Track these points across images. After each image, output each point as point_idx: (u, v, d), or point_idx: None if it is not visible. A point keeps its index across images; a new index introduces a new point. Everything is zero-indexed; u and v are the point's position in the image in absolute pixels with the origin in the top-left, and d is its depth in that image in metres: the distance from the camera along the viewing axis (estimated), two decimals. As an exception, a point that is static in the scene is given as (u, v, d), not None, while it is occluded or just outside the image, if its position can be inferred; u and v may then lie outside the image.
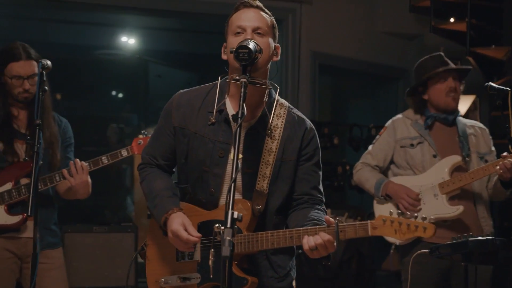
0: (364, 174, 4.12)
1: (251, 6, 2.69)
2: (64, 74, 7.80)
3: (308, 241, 2.47)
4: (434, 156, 3.92)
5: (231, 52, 2.52)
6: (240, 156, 2.61)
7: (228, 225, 2.18)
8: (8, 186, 3.72)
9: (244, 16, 2.66)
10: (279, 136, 2.69)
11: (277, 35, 2.76)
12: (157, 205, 2.73)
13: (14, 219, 3.70)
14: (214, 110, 2.70)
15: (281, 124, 2.71)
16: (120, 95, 8.62)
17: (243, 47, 2.46)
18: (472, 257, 3.00)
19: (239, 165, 2.49)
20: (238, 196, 2.70)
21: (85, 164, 3.70)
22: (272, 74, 2.78)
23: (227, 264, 2.20)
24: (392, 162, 4.09)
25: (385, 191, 3.96)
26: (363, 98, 8.18)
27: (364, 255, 5.75)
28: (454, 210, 3.78)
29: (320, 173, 2.82)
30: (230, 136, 2.69)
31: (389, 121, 4.15)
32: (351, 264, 5.74)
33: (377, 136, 4.19)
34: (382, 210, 4.01)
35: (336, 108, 8.10)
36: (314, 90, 6.52)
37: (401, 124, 4.07)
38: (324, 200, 2.80)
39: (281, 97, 2.83)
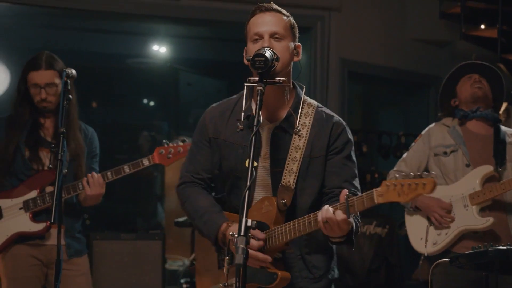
0: None
1: (267, 9, 2.72)
2: (97, 82, 7.91)
3: (321, 215, 2.47)
4: (467, 165, 3.85)
5: (247, 60, 2.56)
6: (255, 164, 2.63)
7: (242, 233, 2.19)
8: (33, 194, 3.80)
9: (260, 21, 2.69)
10: (306, 134, 2.71)
11: (297, 34, 2.77)
12: (207, 222, 2.77)
13: (39, 227, 3.78)
14: (242, 117, 2.72)
15: (309, 122, 2.73)
16: (152, 103, 8.69)
17: (259, 55, 2.49)
18: (493, 267, 2.95)
19: (267, 166, 2.67)
20: (268, 195, 2.73)
21: (101, 178, 3.75)
22: (296, 74, 2.81)
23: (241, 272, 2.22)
24: (426, 170, 4.04)
25: (414, 203, 3.91)
26: (394, 106, 8.12)
27: (392, 264, 5.71)
28: (484, 222, 3.70)
29: (353, 166, 2.77)
30: (259, 141, 2.73)
31: (426, 129, 4.12)
32: (379, 273, 5.70)
33: (412, 144, 4.16)
34: (413, 221, 3.97)
35: (366, 115, 8.05)
36: (343, 98, 6.50)
37: (437, 132, 4.03)
38: (359, 194, 2.68)
39: None
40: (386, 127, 7.41)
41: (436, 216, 3.80)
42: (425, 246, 3.85)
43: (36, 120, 3.88)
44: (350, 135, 2.78)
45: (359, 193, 2.70)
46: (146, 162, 3.85)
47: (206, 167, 2.89)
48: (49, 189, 3.82)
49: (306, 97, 2.82)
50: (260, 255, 2.60)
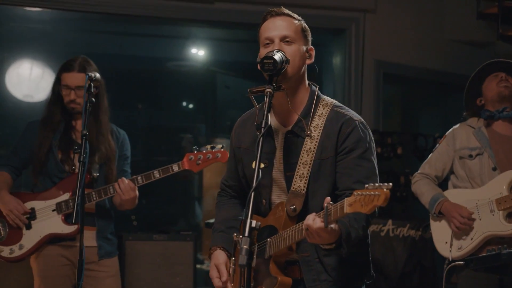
0: (420, 187, 4.02)
1: (277, 14, 2.74)
2: (139, 85, 8.03)
3: (305, 222, 2.44)
4: (494, 169, 3.78)
5: (257, 62, 2.57)
6: (262, 165, 2.65)
7: (246, 234, 2.21)
8: (66, 196, 3.89)
9: (271, 26, 2.71)
10: (318, 135, 2.68)
11: (309, 38, 2.78)
12: (212, 237, 2.96)
13: (70, 229, 3.87)
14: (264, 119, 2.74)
15: (322, 124, 2.70)
16: (190, 105, 8.77)
17: (268, 57, 2.51)
18: (507, 270, 2.90)
19: (282, 169, 2.69)
20: (284, 200, 2.73)
21: (132, 183, 3.83)
22: (312, 76, 2.82)
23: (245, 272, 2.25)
24: (452, 172, 3.99)
25: (438, 209, 3.87)
26: (431, 108, 8.02)
27: (426, 267, 5.63)
28: (510, 228, 3.63)
29: (368, 165, 2.65)
30: (273, 146, 2.76)
31: (450, 130, 4.06)
32: (413, 276, 5.63)
33: (436, 145, 4.10)
34: (438, 225, 3.94)
35: (403, 117, 7.97)
36: (378, 100, 6.46)
37: (462, 133, 3.96)
38: None
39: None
40: (424, 129, 7.32)
41: (456, 222, 3.75)
42: (450, 251, 3.81)
43: (68, 122, 3.99)
44: (363, 133, 2.66)
45: None
46: (175, 168, 3.90)
47: (233, 176, 2.99)
48: (80, 191, 3.90)
49: (324, 97, 2.79)
50: None
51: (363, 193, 2.22)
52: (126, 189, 3.81)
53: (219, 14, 6.15)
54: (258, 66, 2.61)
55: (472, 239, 3.74)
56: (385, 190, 2.17)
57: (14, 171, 4.05)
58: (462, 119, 4.10)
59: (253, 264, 2.66)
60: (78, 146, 3.24)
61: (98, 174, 3.94)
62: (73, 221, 3.13)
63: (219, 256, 2.84)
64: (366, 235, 2.71)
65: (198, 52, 8.14)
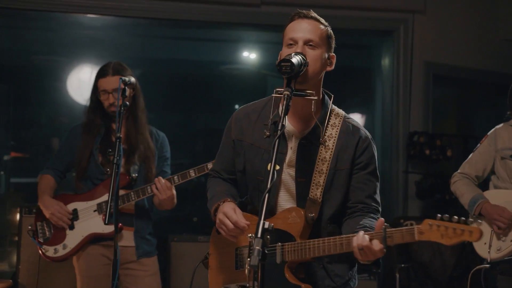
0: (459, 187, 3.97)
1: (305, 16, 2.74)
2: (192, 89, 8.13)
3: (357, 241, 2.47)
4: None
5: (276, 64, 2.57)
6: (277, 167, 2.65)
7: (259, 235, 2.22)
8: (106, 197, 3.96)
9: (297, 27, 2.71)
10: (333, 146, 2.72)
11: (332, 45, 2.78)
12: (213, 202, 2.84)
13: (110, 228, 3.92)
14: (269, 123, 2.77)
15: (336, 134, 2.73)
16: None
17: (285, 60, 2.51)
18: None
19: (292, 173, 2.66)
20: (292, 204, 2.76)
21: (168, 183, 3.89)
22: (326, 84, 2.82)
23: (259, 272, 2.26)
24: (493, 172, 3.92)
25: (478, 210, 3.81)
26: (487, 109, 7.85)
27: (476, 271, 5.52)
28: None
29: (377, 182, 2.80)
30: (285, 147, 2.76)
31: (492, 129, 3.99)
32: (462, 280, 5.53)
33: (478, 145, 4.04)
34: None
35: (458, 119, 7.83)
36: (427, 101, 6.38)
37: (504, 133, 3.89)
38: (379, 209, 2.78)
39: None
40: (479, 131, 7.17)
41: (499, 224, 3.68)
42: (489, 252, 3.74)
43: (108, 126, 4.09)
44: (375, 150, 2.79)
45: (380, 208, 2.77)
46: (210, 166, 3.94)
47: (228, 169, 2.95)
48: (121, 192, 3.99)
49: (334, 107, 2.83)
50: (234, 230, 2.67)
51: (445, 225, 2.30)
52: (162, 188, 3.88)
53: (266, 17, 6.19)
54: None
55: (511, 240, 3.67)
56: (479, 230, 2.27)
57: (58, 174, 4.18)
58: (505, 118, 4.02)
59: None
60: (112, 149, 3.30)
61: (136, 175, 4.02)
62: (106, 222, 3.22)
63: (235, 206, 2.74)
64: None
65: (250, 55, 8.19)
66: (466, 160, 4.04)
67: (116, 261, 3.29)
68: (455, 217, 2.31)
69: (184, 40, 7.94)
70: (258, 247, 2.19)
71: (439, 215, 2.36)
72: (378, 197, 2.80)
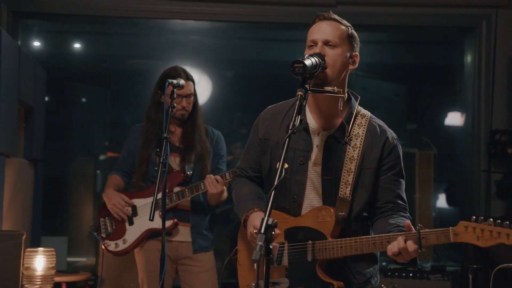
0: None
1: (325, 18, 2.81)
2: (280, 89, 8.22)
3: (392, 247, 2.54)
4: None
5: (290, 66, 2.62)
6: (286, 165, 2.69)
7: (262, 231, 2.27)
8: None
9: (317, 29, 2.79)
10: (360, 144, 2.76)
11: (354, 44, 2.83)
12: (241, 208, 2.90)
13: (167, 224, 4.12)
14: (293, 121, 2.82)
15: (362, 133, 2.77)
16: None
17: (298, 61, 2.56)
18: None
19: (319, 171, 2.74)
20: (319, 202, 2.80)
21: (219, 177, 4.01)
22: (351, 83, 2.87)
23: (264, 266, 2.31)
24: None
25: None
26: None
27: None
28: None
29: (403, 181, 2.84)
30: (310, 144, 2.82)
31: None
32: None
33: None
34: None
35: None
36: (510, 99, 6.14)
37: None
38: (407, 207, 2.82)
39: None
40: None
41: None
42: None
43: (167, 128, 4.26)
44: (400, 151, 2.85)
45: (407, 206, 2.81)
46: None
47: (254, 167, 3.01)
48: (176, 189, 4.16)
49: (360, 108, 2.86)
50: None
51: (481, 227, 2.34)
52: (213, 183, 4.02)
53: (342, 17, 6.16)
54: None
55: None
56: None
57: (124, 175, 4.43)
58: None
59: (286, 263, 2.77)
60: (160, 148, 3.44)
61: (191, 172, 4.17)
62: (150, 218, 3.37)
63: (257, 216, 2.77)
64: None
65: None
66: None
67: (163, 255, 3.42)
68: (491, 219, 2.33)
69: (268, 41, 8.06)
70: (260, 243, 2.24)
71: (474, 217, 2.39)
72: (404, 195, 2.84)
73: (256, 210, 2.82)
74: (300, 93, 2.53)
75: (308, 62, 2.56)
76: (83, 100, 8.48)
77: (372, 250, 2.63)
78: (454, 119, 7.13)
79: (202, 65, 7.74)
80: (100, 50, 8.30)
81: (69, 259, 6.66)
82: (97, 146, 8.15)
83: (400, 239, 2.51)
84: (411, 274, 5.42)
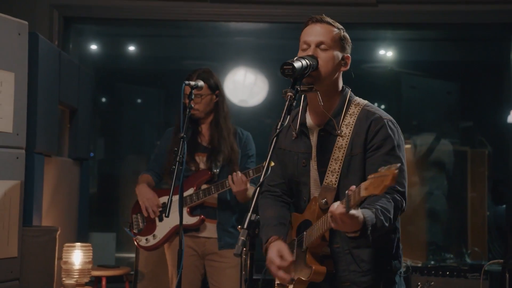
0: None
1: (318, 21, 2.86)
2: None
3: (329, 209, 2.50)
4: None
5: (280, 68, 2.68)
6: (272, 163, 2.77)
7: (245, 226, 2.36)
8: (191, 191, 4.30)
9: (310, 31, 2.85)
10: (349, 133, 2.80)
11: (346, 46, 2.88)
12: (263, 234, 2.97)
13: (193, 220, 4.28)
14: (297, 125, 2.94)
15: (353, 121, 2.81)
16: (382, 106, 8.80)
17: (287, 63, 2.62)
18: None
19: (315, 166, 2.81)
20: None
21: (240, 174, 4.11)
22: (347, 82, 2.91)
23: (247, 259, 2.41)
24: None
25: None
26: None
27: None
28: None
29: (395, 162, 2.57)
30: (309, 145, 2.91)
31: None
32: None
33: None
34: None
35: None
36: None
37: None
38: (400, 189, 2.71)
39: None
40: None
41: None
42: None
43: (196, 128, 4.40)
44: (391, 131, 2.74)
45: (400, 188, 2.71)
46: None
47: (279, 173, 3.08)
48: (203, 187, 4.29)
49: (356, 98, 2.90)
50: (280, 273, 2.74)
51: (375, 175, 2.29)
52: (238, 181, 4.12)
53: (383, 16, 6.19)
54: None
55: None
56: (394, 170, 2.21)
57: (155, 175, 4.57)
58: None
59: (294, 258, 2.84)
60: (177, 148, 3.55)
61: (218, 170, 4.28)
62: (166, 215, 3.49)
63: (279, 245, 2.81)
64: (394, 229, 2.82)
65: (386, 53, 8.17)
66: None
67: (181, 251, 3.53)
68: (387, 166, 2.24)
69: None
70: (242, 238, 2.33)
71: (379, 168, 2.28)
72: (400, 178, 2.69)
73: (273, 240, 2.87)
74: (290, 94, 2.60)
75: (297, 64, 2.61)
76: (138, 101, 8.75)
77: (328, 226, 2.57)
78: (507, 116, 7.02)
79: (258, 66, 7.88)
80: (154, 52, 8.54)
81: (117, 254, 6.90)
82: (148, 145, 8.40)
83: (334, 204, 2.47)
84: (447, 273, 5.37)
